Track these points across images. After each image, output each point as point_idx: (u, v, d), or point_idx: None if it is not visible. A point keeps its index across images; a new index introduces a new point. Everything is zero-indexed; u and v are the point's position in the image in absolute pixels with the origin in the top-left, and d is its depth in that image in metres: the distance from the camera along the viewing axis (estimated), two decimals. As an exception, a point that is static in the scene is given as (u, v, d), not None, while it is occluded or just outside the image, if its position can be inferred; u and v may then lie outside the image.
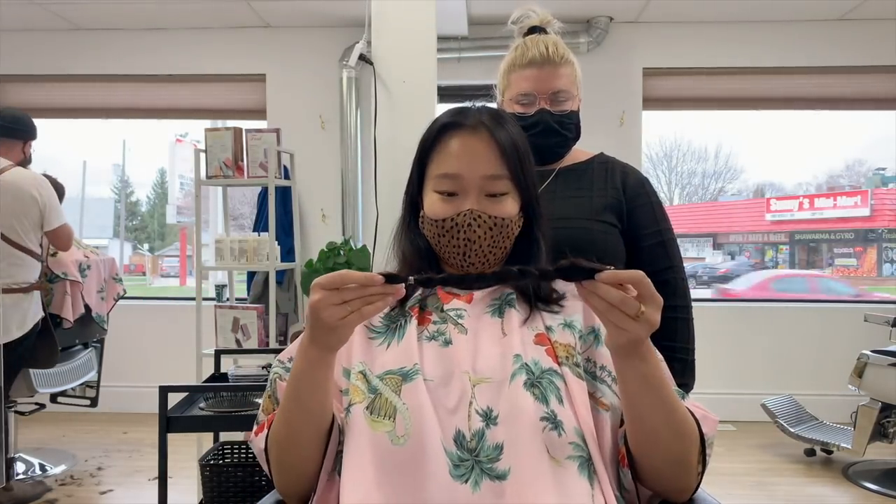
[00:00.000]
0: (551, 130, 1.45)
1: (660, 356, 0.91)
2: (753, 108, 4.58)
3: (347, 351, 0.99)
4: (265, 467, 0.98)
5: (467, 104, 1.08)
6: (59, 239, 3.04)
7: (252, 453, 1.99)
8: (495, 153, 1.02)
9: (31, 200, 2.89)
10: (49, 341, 3.03)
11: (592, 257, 0.84)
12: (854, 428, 3.29)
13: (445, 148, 1.03)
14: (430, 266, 1.07)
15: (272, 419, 0.97)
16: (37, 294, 2.95)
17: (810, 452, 3.61)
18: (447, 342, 0.97)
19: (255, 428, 1.01)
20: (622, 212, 1.44)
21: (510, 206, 1.03)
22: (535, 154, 1.41)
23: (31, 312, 2.91)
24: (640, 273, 0.81)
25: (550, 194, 1.43)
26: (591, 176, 1.49)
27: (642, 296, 0.80)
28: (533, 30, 1.56)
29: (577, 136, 1.50)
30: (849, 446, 3.29)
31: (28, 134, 3.07)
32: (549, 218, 1.26)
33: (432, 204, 1.03)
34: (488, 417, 0.90)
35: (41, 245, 2.99)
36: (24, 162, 3.04)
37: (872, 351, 3.26)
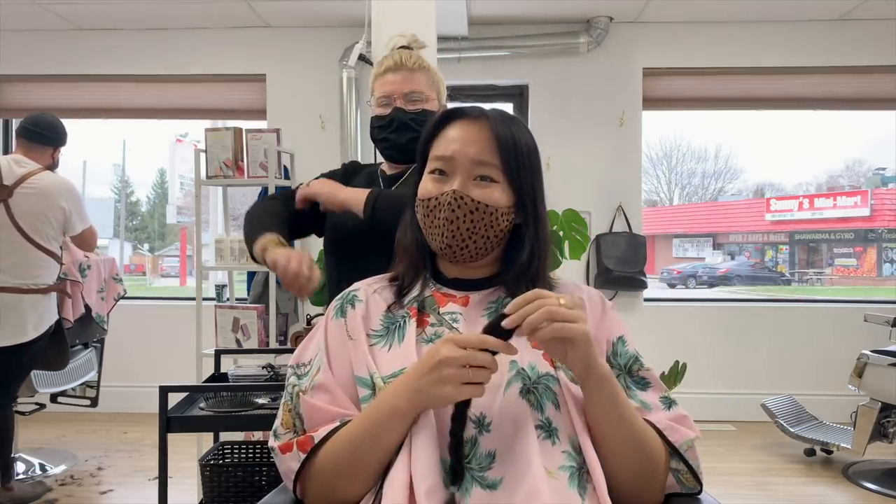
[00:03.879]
0: (405, 127, 1.58)
1: (615, 382, 0.93)
2: (753, 108, 4.58)
3: (356, 358, 0.98)
4: (289, 484, 0.97)
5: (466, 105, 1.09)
6: (84, 241, 3.12)
7: (252, 453, 1.99)
8: (490, 140, 1.02)
9: (58, 206, 2.94)
10: (60, 344, 3.05)
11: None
12: (854, 428, 3.29)
13: (444, 133, 1.04)
14: (425, 259, 1.07)
15: (307, 442, 0.94)
16: (54, 296, 2.97)
17: (810, 452, 3.61)
18: None
19: (276, 442, 0.99)
20: None
21: (497, 196, 1.01)
22: (396, 152, 1.63)
23: (47, 314, 2.93)
24: (533, 291, 0.88)
25: (403, 188, 1.53)
26: None
27: (548, 296, 0.87)
28: (402, 48, 1.70)
29: None
30: (849, 446, 3.29)
31: (60, 141, 3.12)
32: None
33: (424, 185, 1.05)
34: (481, 424, 0.89)
35: (61, 247, 3.02)
36: (52, 167, 3.09)
37: (872, 351, 3.26)
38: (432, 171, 1.04)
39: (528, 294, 0.87)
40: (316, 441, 0.93)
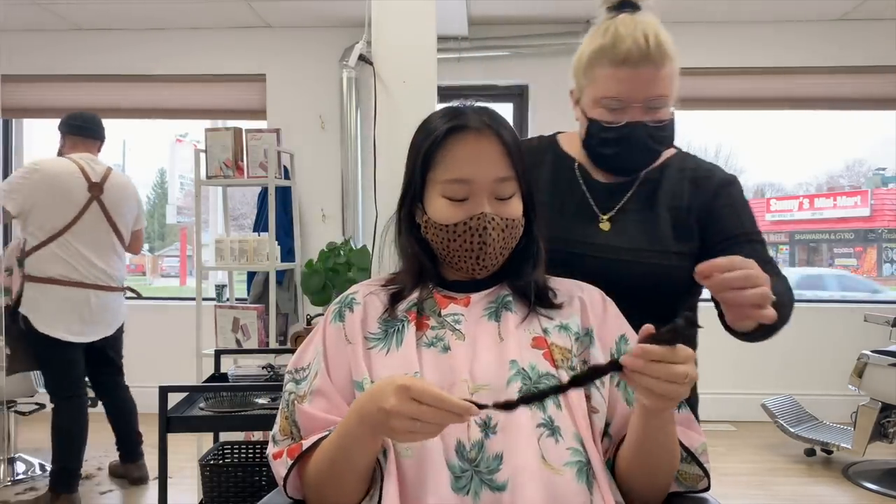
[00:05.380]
0: (643, 147, 1.19)
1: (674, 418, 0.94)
2: (753, 108, 4.58)
3: (355, 362, 0.98)
4: (282, 487, 0.98)
5: (457, 103, 1.05)
6: (138, 241, 3.22)
7: (252, 453, 1.99)
8: (503, 155, 1.00)
9: (135, 200, 3.11)
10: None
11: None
12: (854, 428, 3.29)
13: (452, 152, 1.00)
14: (432, 270, 1.05)
15: (296, 450, 0.95)
16: None
17: (810, 452, 3.61)
18: (445, 348, 0.97)
19: (274, 448, 1.00)
20: (695, 231, 1.22)
21: (517, 207, 1.02)
22: (620, 170, 1.25)
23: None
24: (662, 349, 0.79)
25: (622, 215, 1.24)
26: (664, 189, 1.24)
27: (683, 356, 0.80)
28: (623, 5, 1.19)
29: (671, 145, 1.27)
30: (849, 446, 3.29)
31: (104, 134, 3.18)
32: (622, 247, 1.19)
33: (440, 209, 1.00)
34: (487, 426, 0.89)
35: None
36: None
37: (872, 351, 3.26)
38: (449, 196, 1.00)
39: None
40: (303, 449, 0.94)
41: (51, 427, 2.84)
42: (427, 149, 1.01)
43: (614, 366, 0.81)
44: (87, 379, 3.05)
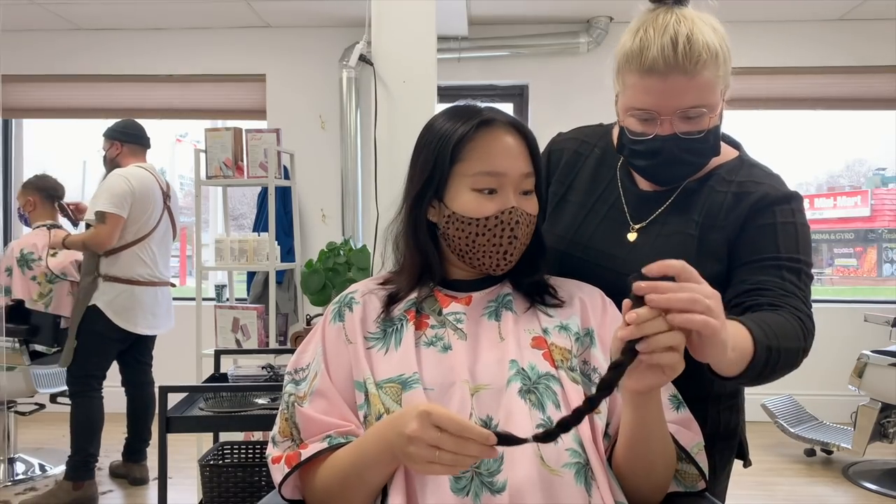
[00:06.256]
0: (676, 161, 1.07)
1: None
2: (753, 108, 4.57)
3: (356, 362, 0.97)
4: (277, 490, 0.99)
5: (463, 103, 1.05)
6: None
7: (252, 453, 1.99)
8: (525, 150, 1.01)
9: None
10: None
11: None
12: (854, 428, 3.29)
13: (483, 145, 0.99)
14: (439, 269, 1.04)
15: (294, 459, 0.95)
16: None
17: (810, 452, 3.61)
18: (446, 348, 0.96)
19: (273, 451, 1.00)
20: (721, 254, 1.09)
21: (536, 204, 1.03)
22: (657, 181, 1.14)
23: None
24: (646, 309, 0.73)
25: (653, 227, 1.14)
26: (700, 202, 1.11)
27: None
28: None
29: (715, 155, 1.12)
30: (849, 446, 3.29)
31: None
32: (640, 265, 1.11)
33: (469, 203, 0.98)
34: (488, 427, 0.89)
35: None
36: None
37: (872, 351, 3.26)
38: (479, 189, 0.98)
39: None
40: (301, 459, 0.94)
41: (74, 418, 3.00)
42: (457, 142, 0.99)
43: (630, 353, 0.75)
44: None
